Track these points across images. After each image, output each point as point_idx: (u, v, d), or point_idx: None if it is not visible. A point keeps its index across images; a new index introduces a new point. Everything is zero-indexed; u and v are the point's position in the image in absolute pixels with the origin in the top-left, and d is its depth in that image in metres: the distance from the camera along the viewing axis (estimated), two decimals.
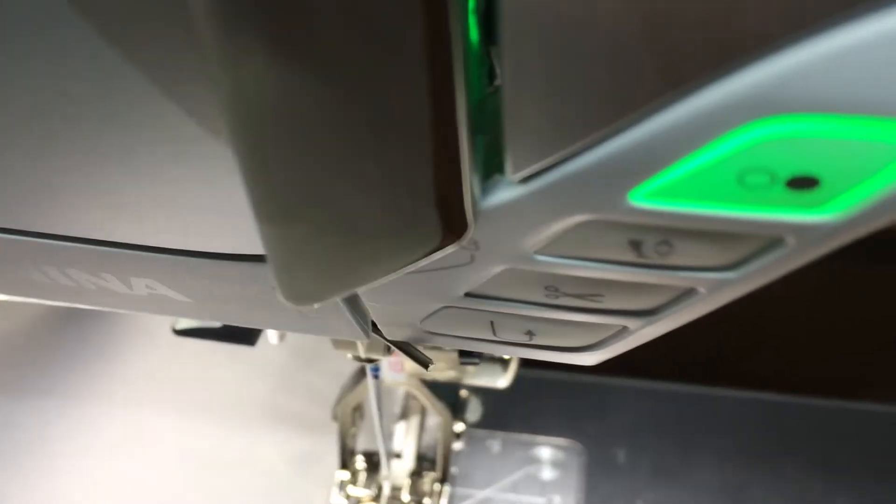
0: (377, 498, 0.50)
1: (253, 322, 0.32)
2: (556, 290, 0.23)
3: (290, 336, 0.66)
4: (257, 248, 0.24)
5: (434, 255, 0.19)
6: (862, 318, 0.74)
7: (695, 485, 0.53)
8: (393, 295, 0.26)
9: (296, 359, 0.64)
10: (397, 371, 0.47)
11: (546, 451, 0.56)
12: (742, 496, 0.52)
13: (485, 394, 0.59)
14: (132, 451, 0.56)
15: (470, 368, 0.45)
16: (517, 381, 0.61)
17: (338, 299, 0.27)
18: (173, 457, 0.55)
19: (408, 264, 0.19)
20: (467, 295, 0.25)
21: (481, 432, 0.57)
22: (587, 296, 0.23)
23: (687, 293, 0.22)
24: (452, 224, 0.18)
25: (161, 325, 0.67)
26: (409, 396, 0.56)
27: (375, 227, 0.18)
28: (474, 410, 0.52)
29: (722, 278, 0.20)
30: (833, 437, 0.56)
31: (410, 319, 0.28)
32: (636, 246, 0.20)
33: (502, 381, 0.45)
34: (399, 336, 0.31)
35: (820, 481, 0.53)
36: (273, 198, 0.18)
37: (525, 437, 0.57)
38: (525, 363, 0.47)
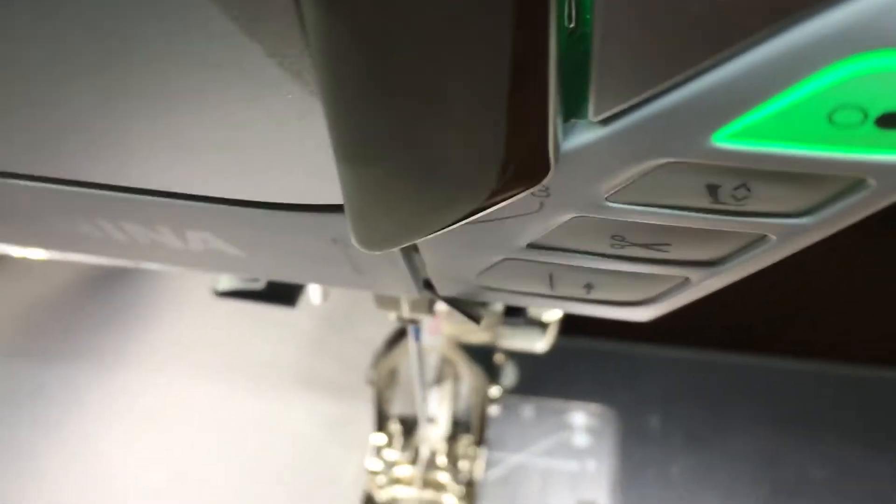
0: (413, 462, 0.50)
1: (304, 277, 0.32)
2: (623, 240, 0.23)
3: (323, 303, 0.66)
4: (319, 197, 0.24)
5: (513, 196, 0.19)
6: None
7: (729, 452, 0.53)
8: (455, 246, 0.25)
9: (328, 326, 0.64)
10: (435, 334, 0.47)
11: (579, 417, 0.56)
12: (778, 464, 0.52)
13: (519, 360, 0.59)
14: (165, 414, 0.56)
15: (507, 332, 0.45)
16: (551, 348, 0.61)
17: (398, 251, 0.27)
18: (206, 420, 0.56)
19: (486, 207, 0.19)
20: (529, 246, 0.25)
21: (515, 398, 0.57)
22: (654, 245, 0.23)
23: (756, 242, 0.22)
24: (534, 165, 0.18)
25: (193, 290, 0.68)
26: (443, 362, 0.56)
27: (457, 166, 0.18)
28: (510, 375, 0.52)
29: (796, 224, 0.20)
30: (871, 405, 0.56)
31: (467, 273, 0.28)
32: (713, 191, 0.20)
33: (540, 344, 0.45)
34: (452, 291, 0.31)
35: (858, 449, 0.52)
36: (356, 136, 0.18)
37: (558, 403, 0.57)
38: (561, 329, 0.46)
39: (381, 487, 0.50)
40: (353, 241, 0.20)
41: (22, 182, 0.26)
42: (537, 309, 0.41)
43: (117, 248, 0.31)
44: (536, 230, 0.23)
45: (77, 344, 0.62)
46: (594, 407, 0.57)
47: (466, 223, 0.24)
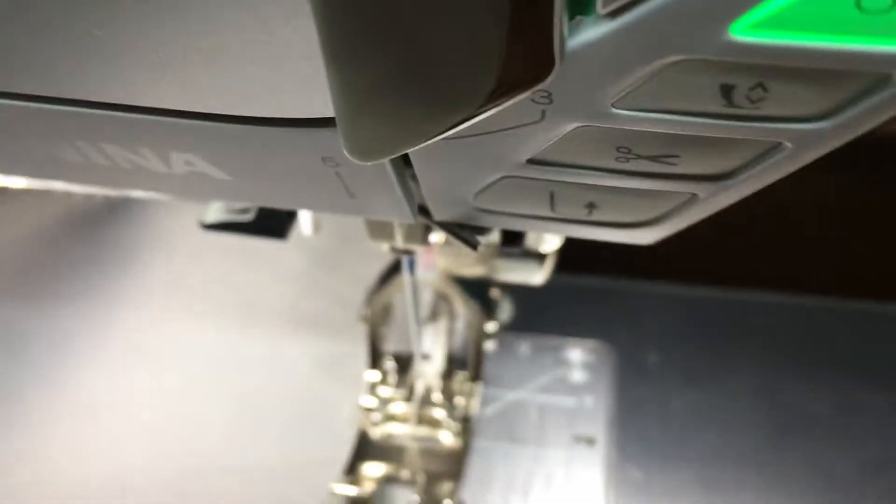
0: (408, 399, 0.50)
1: (294, 203, 0.31)
2: (629, 152, 0.22)
3: (312, 240, 0.65)
4: (307, 111, 0.23)
5: (514, 96, 0.18)
6: None
7: (728, 388, 0.53)
8: (452, 164, 0.24)
9: (319, 264, 0.63)
10: (429, 269, 0.46)
11: (576, 353, 0.56)
12: (776, 399, 0.52)
13: (515, 298, 0.59)
14: (154, 352, 0.56)
15: (504, 264, 0.44)
16: (547, 285, 0.60)
17: (391, 172, 0.26)
18: (197, 359, 0.55)
19: (486, 109, 0.18)
20: (530, 162, 0.23)
21: (511, 335, 0.57)
22: (661, 158, 0.22)
23: (770, 151, 0.21)
24: (538, 60, 0.17)
25: (182, 229, 0.66)
26: (438, 299, 0.56)
27: (456, 62, 0.17)
28: (506, 310, 0.52)
29: (813, 130, 0.19)
30: (870, 339, 0.55)
31: (464, 194, 0.27)
32: (727, 92, 0.18)
33: (538, 277, 0.44)
34: (447, 216, 0.30)
35: (857, 384, 0.52)
36: (346, 31, 0.16)
37: (556, 340, 0.57)
38: (557, 266, 0.46)
39: (375, 424, 0.50)
40: (345, 151, 0.19)
41: None
42: (535, 240, 0.40)
43: (99, 174, 0.30)
44: (537, 143, 0.22)
45: (64, 284, 0.61)
46: (592, 343, 0.56)
47: (464, 135, 0.22)
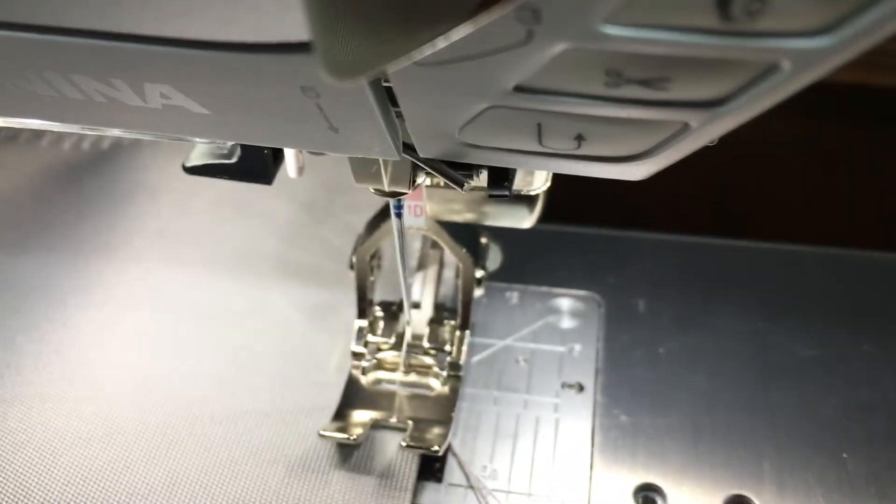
0: (397, 346, 0.50)
1: (276, 139, 0.30)
2: (619, 76, 0.21)
3: (301, 191, 0.64)
4: (284, 35, 0.22)
5: (499, 8, 0.17)
6: (888, 173, 0.72)
7: (716, 333, 0.53)
8: (436, 92, 0.23)
9: (307, 215, 0.62)
10: (417, 216, 0.46)
11: (565, 301, 0.56)
12: (765, 345, 0.52)
13: (504, 247, 0.58)
14: (142, 302, 0.55)
15: (492, 209, 0.44)
16: (535, 235, 0.60)
17: (374, 103, 0.25)
18: (184, 308, 0.55)
19: (469, 14, 0.17)
20: (516, 89, 0.23)
21: (499, 285, 0.57)
22: (652, 82, 0.21)
23: (766, 73, 0.20)
24: None
25: (168, 181, 0.65)
26: (426, 247, 0.55)
27: None
28: (494, 258, 0.51)
29: (812, 47, 0.18)
30: (860, 286, 0.55)
31: (449, 128, 0.26)
32: (723, 5, 0.17)
33: (527, 221, 0.43)
34: (433, 152, 0.29)
35: (845, 328, 0.52)
36: None
37: (544, 289, 0.56)
38: (544, 217, 0.45)
39: (365, 372, 0.50)
40: (320, 70, 0.18)
41: None
42: (521, 182, 0.39)
43: (73, 110, 0.29)
44: (524, 68, 0.21)
45: (50, 235, 0.60)
46: (580, 292, 0.56)
47: (449, 60, 0.22)
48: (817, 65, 0.19)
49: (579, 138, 0.25)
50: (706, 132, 0.23)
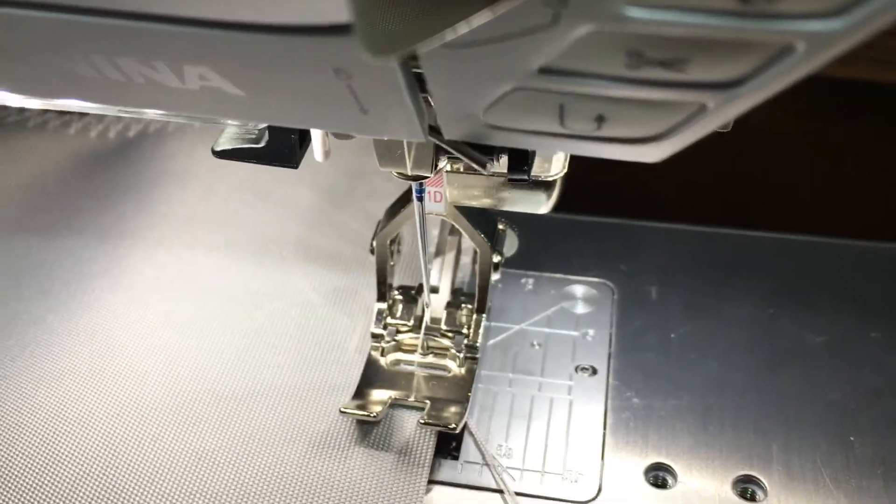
0: (415, 329, 0.51)
1: (307, 121, 0.31)
2: (640, 58, 0.22)
3: (323, 177, 0.66)
4: (320, 17, 0.23)
5: None
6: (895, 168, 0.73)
7: (726, 319, 0.54)
8: (464, 73, 0.25)
9: (328, 201, 0.64)
10: (437, 201, 0.47)
11: (579, 288, 0.57)
12: (774, 331, 0.53)
13: (520, 235, 0.59)
14: (168, 285, 0.56)
15: (511, 194, 0.45)
16: (551, 224, 0.61)
17: (402, 83, 0.26)
18: (209, 290, 0.56)
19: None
20: (541, 71, 0.24)
21: (515, 272, 0.58)
22: (672, 63, 0.22)
23: (780, 54, 0.21)
24: None
25: (193, 168, 0.67)
26: (443, 234, 0.56)
27: None
28: (511, 244, 0.52)
29: (826, 29, 0.19)
30: (865, 274, 0.56)
31: (474, 109, 0.28)
32: None
33: (544, 207, 0.44)
34: (458, 134, 0.30)
35: (854, 315, 0.53)
36: None
37: (558, 276, 0.58)
38: (559, 206, 0.46)
39: (384, 353, 0.51)
40: (361, 48, 0.20)
41: (12, 10, 0.25)
42: (540, 168, 0.40)
43: (114, 91, 0.30)
44: (549, 50, 0.23)
45: (78, 219, 0.62)
46: (594, 279, 0.57)
47: (477, 42, 0.23)
48: (829, 47, 0.20)
49: (599, 119, 0.26)
50: (722, 113, 0.24)
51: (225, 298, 0.56)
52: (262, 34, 0.24)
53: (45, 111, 0.74)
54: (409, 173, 0.39)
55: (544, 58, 0.23)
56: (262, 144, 0.41)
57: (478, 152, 0.33)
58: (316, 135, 0.40)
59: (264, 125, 0.40)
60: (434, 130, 0.31)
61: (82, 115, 0.73)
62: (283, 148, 0.41)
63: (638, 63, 0.22)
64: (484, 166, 0.33)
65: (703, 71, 0.22)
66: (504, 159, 0.37)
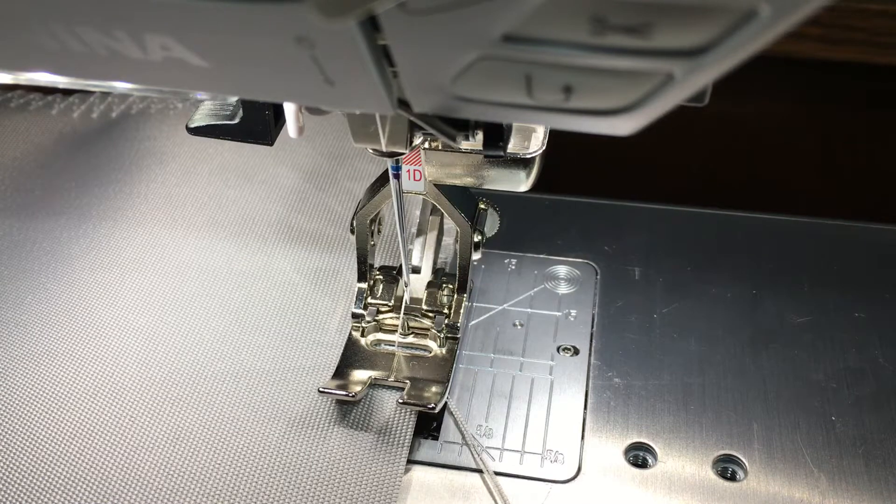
0: (396, 309, 0.51)
1: (273, 93, 0.31)
2: (603, 23, 0.22)
3: (304, 159, 0.65)
4: None
5: None
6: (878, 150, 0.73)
7: (709, 299, 0.53)
8: (428, 42, 0.24)
9: (310, 182, 0.63)
10: (417, 180, 0.47)
11: (562, 269, 0.57)
12: (757, 311, 0.53)
13: (502, 215, 0.59)
14: (149, 264, 0.56)
15: (490, 172, 0.44)
16: (534, 204, 0.61)
17: (366, 54, 0.25)
18: (190, 271, 0.56)
19: None
20: (505, 39, 0.23)
21: (498, 252, 0.58)
22: (635, 28, 0.22)
23: (745, 19, 0.21)
24: None
25: (174, 149, 0.66)
26: (424, 214, 0.56)
27: None
28: (493, 224, 0.52)
29: None
30: (848, 255, 0.56)
31: (441, 80, 0.27)
32: None
33: (524, 185, 0.44)
34: (427, 107, 0.30)
35: (837, 295, 0.53)
36: None
37: (541, 256, 0.57)
38: (542, 186, 0.46)
39: (364, 333, 0.51)
40: (311, 6, 0.19)
41: None
42: (519, 145, 0.40)
43: (77, 63, 0.30)
44: (511, 16, 0.22)
45: (58, 200, 0.62)
46: (576, 260, 0.57)
47: (438, 7, 0.22)
48: (794, 10, 0.20)
49: (567, 90, 0.26)
50: (690, 83, 0.24)
51: (206, 278, 0.55)
52: (221, 1, 0.24)
53: (29, 91, 0.74)
54: (384, 149, 0.38)
55: (507, 24, 0.23)
56: (236, 121, 0.41)
57: (451, 128, 0.33)
58: (289, 110, 0.39)
59: (236, 100, 0.39)
60: (404, 104, 0.31)
61: (66, 95, 0.73)
62: (258, 125, 0.40)
63: (602, 29, 0.22)
64: (454, 139, 0.32)
65: (668, 37, 0.22)
66: (480, 136, 0.37)
